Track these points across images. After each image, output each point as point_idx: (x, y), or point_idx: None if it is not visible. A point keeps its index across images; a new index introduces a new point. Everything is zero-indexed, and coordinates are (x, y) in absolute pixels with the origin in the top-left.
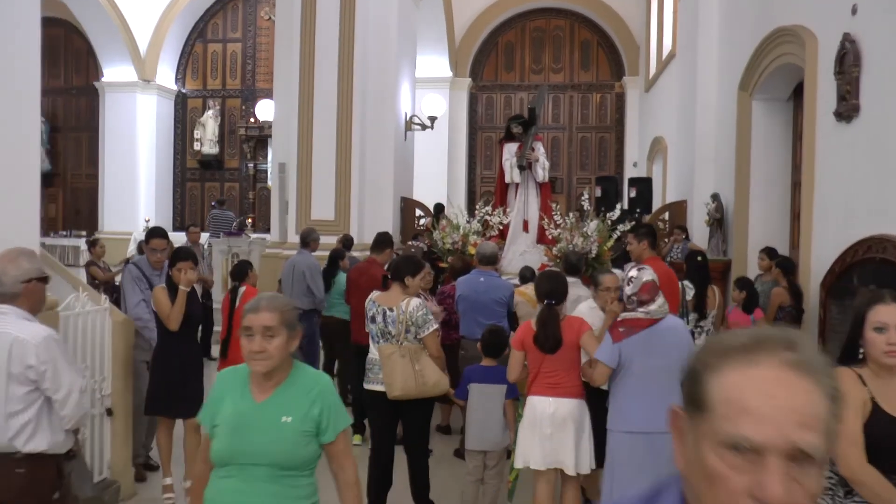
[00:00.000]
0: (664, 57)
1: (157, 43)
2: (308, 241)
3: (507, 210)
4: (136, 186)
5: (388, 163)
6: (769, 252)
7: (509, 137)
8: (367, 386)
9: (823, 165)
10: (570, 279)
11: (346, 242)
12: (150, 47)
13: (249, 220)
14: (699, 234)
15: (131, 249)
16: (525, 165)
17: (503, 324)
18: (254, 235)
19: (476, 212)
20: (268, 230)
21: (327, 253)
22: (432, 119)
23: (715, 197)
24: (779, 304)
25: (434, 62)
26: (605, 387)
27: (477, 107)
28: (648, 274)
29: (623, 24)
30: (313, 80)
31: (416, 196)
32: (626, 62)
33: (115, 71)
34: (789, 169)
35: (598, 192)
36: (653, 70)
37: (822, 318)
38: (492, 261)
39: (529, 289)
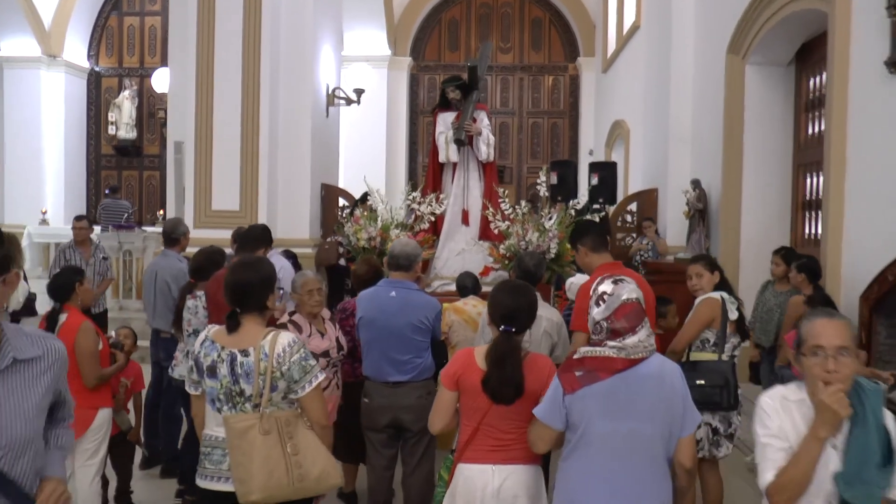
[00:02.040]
0: (626, 31)
1: (63, 13)
2: (174, 236)
3: (442, 197)
4: (41, 174)
5: (305, 143)
6: (786, 255)
7: (445, 105)
8: (201, 482)
9: (861, 135)
10: None
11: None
12: (56, 18)
13: (161, 213)
14: (674, 228)
15: (25, 244)
16: (464, 140)
17: (423, 358)
18: (150, 229)
19: (403, 199)
20: None
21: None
22: (358, 92)
23: (696, 183)
24: (797, 317)
25: (370, 38)
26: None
27: (418, 89)
28: (630, 290)
29: (577, 0)
30: (213, 43)
31: (351, 188)
32: (580, 42)
33: (13, 44)
34: (791, 147)
35: (554, 179)
36: (612, 48)
37: (865, 342)
38: (407, 265)
39: (471, 305)
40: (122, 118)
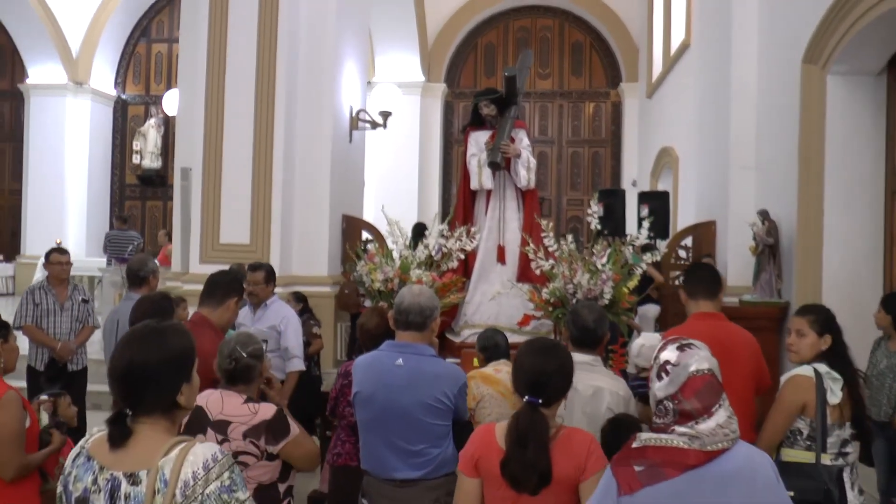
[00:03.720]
0: (673, 51)
1: (91, 41)
2: (142, 275)
3: (473, 230)
4: (63, 204)
5: (325, 169)
6: (886, 302)
7: (478, 122)
8: None
9: None
10: (580, 357)
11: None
12: (84, 45)
13: (169, 247)
14: (737, 265)
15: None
16: (501, 163)
17: (440, 448)
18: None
19: (426, 232)
20: None
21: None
22: (385, 115)
23: (763, 215)
24: None
25: (403, 63)
26: None
27: (453, 117)
28: (700, 358)
29: (620, 23)
30: (225, 61)
31: (378, 221)
32: (623, 67)
33: (41, 71)
34: (883, 170)
35: (601, 211)
36: (657, 71)
37: None
38: (420, 322)
39: (504, 372)
40: (147, 147)
